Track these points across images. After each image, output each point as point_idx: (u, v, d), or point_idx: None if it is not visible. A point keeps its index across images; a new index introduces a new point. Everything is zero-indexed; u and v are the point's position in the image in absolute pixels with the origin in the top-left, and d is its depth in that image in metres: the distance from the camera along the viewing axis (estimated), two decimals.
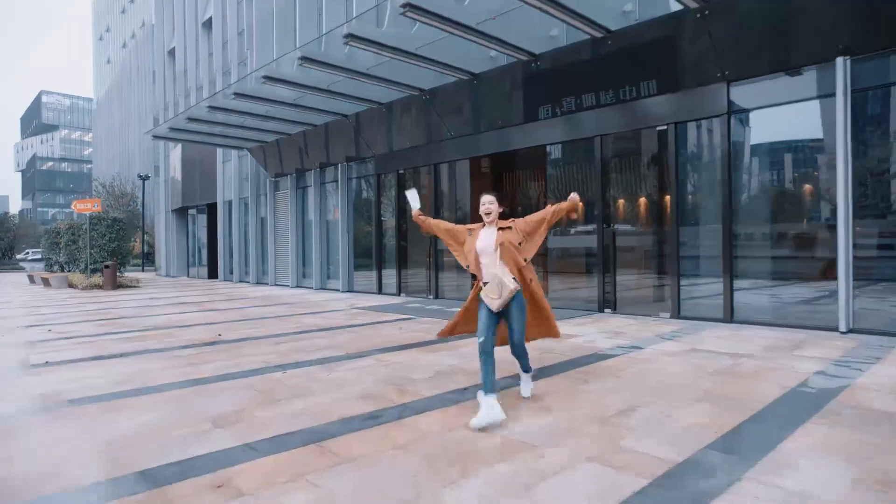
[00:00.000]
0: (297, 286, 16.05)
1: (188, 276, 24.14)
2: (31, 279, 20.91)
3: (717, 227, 7.89)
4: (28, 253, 52.49)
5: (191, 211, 23.54)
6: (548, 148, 10.18)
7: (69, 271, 19.57)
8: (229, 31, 18.38)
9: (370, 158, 13.42)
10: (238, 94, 11.05)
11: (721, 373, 4.80)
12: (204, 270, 22.34)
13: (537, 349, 5.88)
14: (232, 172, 19.44)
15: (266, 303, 11.90)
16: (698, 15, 7.31)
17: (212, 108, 11.94)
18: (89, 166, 78.99)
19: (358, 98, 11.61)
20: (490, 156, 11.24)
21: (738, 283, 7.69)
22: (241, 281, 19.18)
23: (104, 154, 61.31)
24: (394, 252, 13.02)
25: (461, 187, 11.99)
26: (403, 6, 7.21)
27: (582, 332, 7.15)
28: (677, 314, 8.20)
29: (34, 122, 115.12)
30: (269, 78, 10.04)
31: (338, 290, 14.32)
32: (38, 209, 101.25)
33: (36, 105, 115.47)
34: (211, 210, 21.49)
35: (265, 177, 17.60)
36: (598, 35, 8.11)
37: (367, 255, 13.97)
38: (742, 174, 7.85)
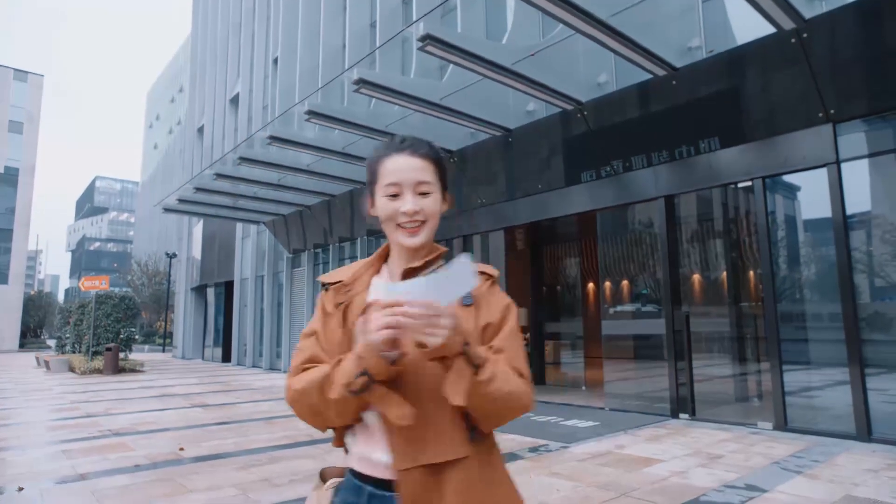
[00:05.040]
0: None
1: (203, 358, 22.61)
2: (38, 361, 19.79)
3: (830, 305, 5.98)
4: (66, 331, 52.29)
5: (209, 289, 22.40)
6: (597, 215, 8.58)
7: (76, 352, 18.34)
8: (254, 105, 17.92)
9: None
10: (243, 159, 9.91)
11: None
12: (218, 352, 20.81)
13: (600, 487, 3.93)
14: (250, 249, 18.36)
15: (265, 396, 10.15)
16: (793, 40, 5.79)
17: (218, 175, 10.84)
18: (132, 246, 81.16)
19: None
20: (527, 226, 9.64)
21: (873, 382, 5.63)
22: (253, 366, 17.53)
23: (144, 234, 62.63)
24: None
25: (494, 263, 10.34)
26: (423, 39, 5.93)
27: (661, 454, 5.16)
28: (783, 425, 6.13)
29: (87, 205, 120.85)
30: (274, 138, 8.87)
31: None
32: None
33: (90, 189, 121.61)
34: (228, 289, 20.26)
35: (282, 253, 16.39)
36: (661, 73, 6.64)
37: None
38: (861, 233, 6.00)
